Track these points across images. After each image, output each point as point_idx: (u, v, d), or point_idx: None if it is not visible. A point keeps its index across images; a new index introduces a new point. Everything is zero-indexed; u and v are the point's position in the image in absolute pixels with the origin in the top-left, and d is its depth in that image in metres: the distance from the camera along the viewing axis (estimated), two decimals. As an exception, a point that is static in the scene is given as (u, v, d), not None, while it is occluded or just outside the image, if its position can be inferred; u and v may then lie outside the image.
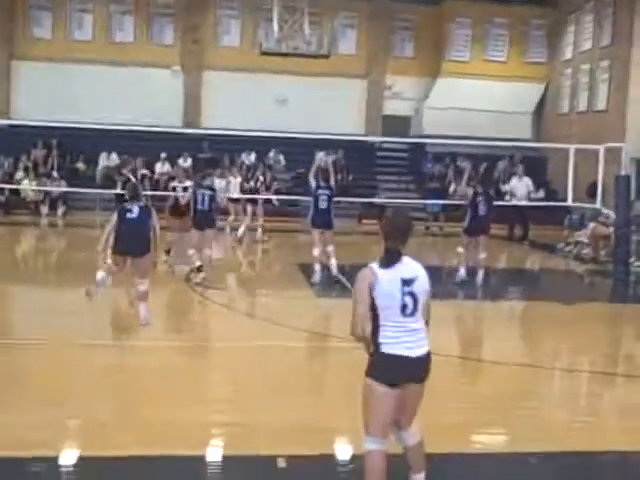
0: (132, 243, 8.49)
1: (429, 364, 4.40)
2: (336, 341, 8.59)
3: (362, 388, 4.36)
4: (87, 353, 7.68)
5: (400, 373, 4.30)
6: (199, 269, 11.62)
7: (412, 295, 4.29)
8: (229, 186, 17.61)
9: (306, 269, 12.57)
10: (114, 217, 8.69)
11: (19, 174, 21.79)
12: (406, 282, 4.28)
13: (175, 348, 8.35)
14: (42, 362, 7.24)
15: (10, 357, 7.44)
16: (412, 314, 4.30)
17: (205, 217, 11.75)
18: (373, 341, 4.31)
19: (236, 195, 17.33)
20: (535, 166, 23.67)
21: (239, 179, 18.45)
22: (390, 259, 4.31)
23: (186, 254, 11.90)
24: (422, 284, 4.37)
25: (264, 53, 22.43)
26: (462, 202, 13.52)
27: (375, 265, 4.31)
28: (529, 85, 25.83)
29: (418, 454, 4.56)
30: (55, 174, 21.82)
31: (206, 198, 11.72)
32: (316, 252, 12.03)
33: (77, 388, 6.54)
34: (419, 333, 4.35)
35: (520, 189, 19.20)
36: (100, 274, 8.50)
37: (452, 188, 20.82)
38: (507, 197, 19.57)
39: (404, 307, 4.27)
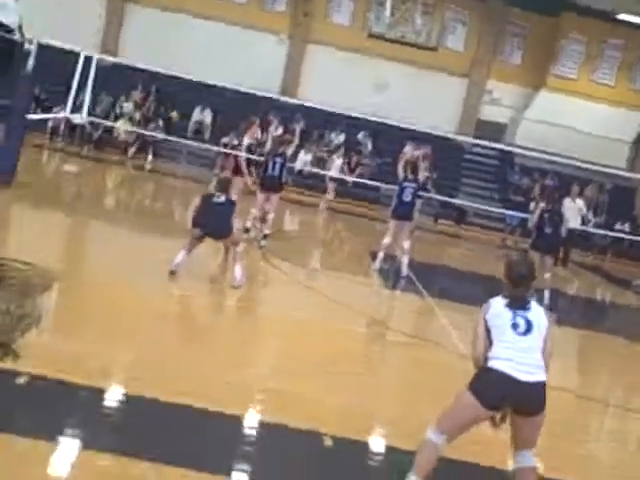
0: (215, 225, 8.76)
1: (540, 394, 4.23)
2: (392, 334, 8.63)
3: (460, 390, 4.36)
4: (155, 297, 7.90)
5: (502, 394, 4.20)
6: (247, 230, 11.99)
7: (525, 319, 4.33)
8: (331, 164, 18.27)
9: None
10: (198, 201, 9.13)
11: (120, 110, 22.40)
12: (520, 308, 4.36)
13: (240, 309, 8.53)
14: (111, 300, 7.46)
15: (81, 293, 7.69)
16: (525, 334, 4.28)
17: (272, 182, 12.00)
18: (484, 358, 4.33)
19: (335, 174, 17.92)
20: (624, 197, 23.10)
21: (341, 160, 18.94)
22: (514, 302, 4.39)
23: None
24: (540, 317, 4.40)
25: (372, 36, 22.45)
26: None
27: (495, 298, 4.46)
28: (633, 113, 25.13)
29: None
30: (154, 122, 22.28)
31: (277, 165, 12.00)
32: (387, 240, 12.03)
33: (143, 329, 6.74)
34: (532, 357, 4.27)
35: (571, 210, 18.76)
36: (181, 255, 8.59)
37: (532, 205, 20.45)
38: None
39: (515, 326, 4.29)
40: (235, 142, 14.13)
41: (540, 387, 4.23)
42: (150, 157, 21.65)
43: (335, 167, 19.00)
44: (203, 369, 6.00)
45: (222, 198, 8.94)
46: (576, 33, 25.02)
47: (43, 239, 9.50)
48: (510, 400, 4.21)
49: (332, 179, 19.18)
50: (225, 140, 16.32)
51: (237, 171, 13.59)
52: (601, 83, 25.25)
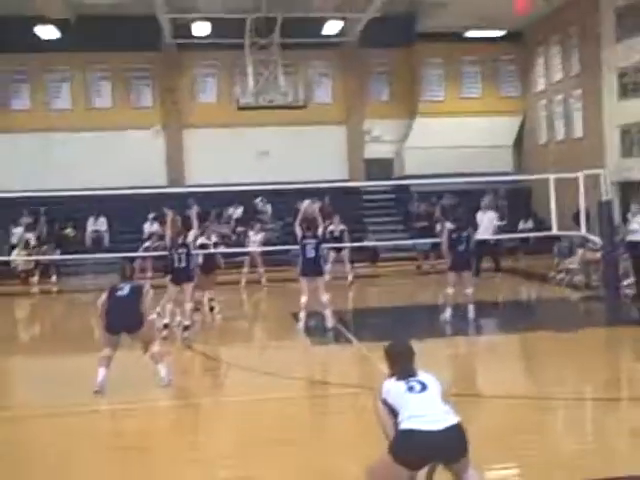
0: (123, 319, 8.46)
1: (459, 437, 4.35)
2: (334, 388, 8.59)
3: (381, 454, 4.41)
4: (87, 420, 7.64)
5: (423, 451, 4.27)
6: (186, 327, 11.74)
7: (417, 381, 4.58)
8: (249, 240, 18.80)
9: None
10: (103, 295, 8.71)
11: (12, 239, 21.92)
12: (409, 376, 4.61)
13: (174, 407, 8.32)
14: (43, 432, 7.18)
15: (10, 429, 7.38)
16: (422, 391, 4.48)
17: (182, 273, 11.96)
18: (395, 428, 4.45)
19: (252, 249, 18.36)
20: (520, 197, 23.96)
21: (260, 235, 19.34)
22: (402, 374, 4.63)
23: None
24: (429, 378, 4.68)
25: (241, 108, 22.75)
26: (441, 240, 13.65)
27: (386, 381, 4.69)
28: (506, 119, 26.26)
29: None
30: (50, 243, 21.88)
31: (182, 256, 11.95)
32: (304, 299, 12.07)
33: (83, 456, 6.49)
34: (436, 407, 4.43)
35: (484, 222, 19.45)
36: (101, 372, 8.32)
37: (439, 227, 20.99)
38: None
39: (411, 388, 4.50)
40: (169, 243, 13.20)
41: (456, 430, 4.34)
42: (54, 278, 21.16)
43: (253, 242, 19.26)
44: (155, 475, 5.82)
45: (126, 289, 8.60)
46: (432, 58, 26.08)
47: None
48: (431, 452, 4.29)
49: (249, 254, 19.27)
50: (148, 244, 16.25)
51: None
52: (469, 98, 26.28)
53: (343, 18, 23.67)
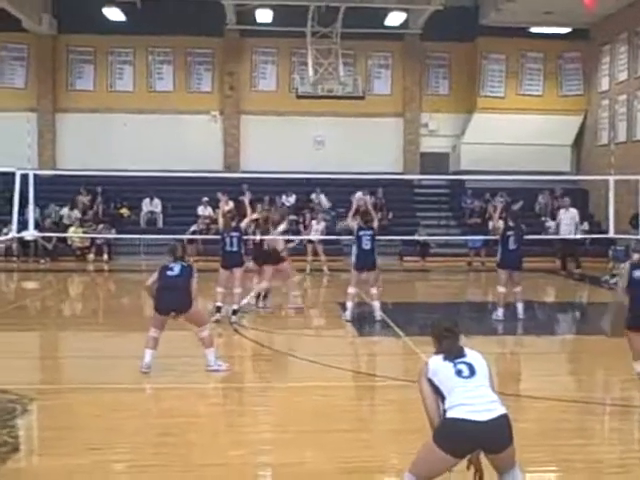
0: (173, 299, 8.46)
1: (503, 428, 4.30)
2: (379, 380, 8.61)
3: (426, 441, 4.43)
4: (133, 397, 7.80)
5: (467, 440, 4.26)
6: (218, 309, 11.87)
7: (465, 363, 4.48)
8: (310, 228, 19.35)
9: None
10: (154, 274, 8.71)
11: (69, 217, 22.45)
12: (457, 357, 4.51)
13: (219, 390, 8.43)
14: (88, 406, 7.35)
15: (61, 401, 7.58)
16: (470, 377, 4.42)
17: (232, 257, 12.01)
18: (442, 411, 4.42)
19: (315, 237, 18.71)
20: (577, 199, 23.51)
21: (322, 225, 19.76)
22: (449, 353, 4.55)
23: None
24: (478, 359, 4.56)
25: (300, 97, 22.78)
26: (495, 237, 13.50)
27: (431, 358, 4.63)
28: (567, 117, 25.73)
29: None
30: (105, 222, 22.34)
31: (234, 240, 11.99)
32: (352, 290, 12.10)
33: (127, 431, 6.62)
34: (484, 395, 4.37)
35: (565, 220, 19.18)
36: (148, 354, 8.41)
37: (491, 224, 20.80)
38: (551, 230, 19.71)
39: (459, 372, 4.43)
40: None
41: (502, 421, 4.30)
42: (106, 257, 21.58)
43: (315, 231, 19.78)
44: (196, 458, 5.91)
45: (176, 269, 8.56)
46: (494, 53, 25.73)
47: (14, 362, 9.34)
48: (476, 442, 4.28)
49: (311, 242, 19.69)
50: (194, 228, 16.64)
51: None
52: (529, 95, 25.88)
53: (406, 9, 23.52)
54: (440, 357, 4.54)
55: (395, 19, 23.83)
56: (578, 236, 19.20)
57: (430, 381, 4.47)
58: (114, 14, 23.35)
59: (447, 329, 4.65)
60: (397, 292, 15.96)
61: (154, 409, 7.66)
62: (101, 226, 22.19)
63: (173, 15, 23.73)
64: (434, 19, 23.22)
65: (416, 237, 21.64)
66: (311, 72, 22.48)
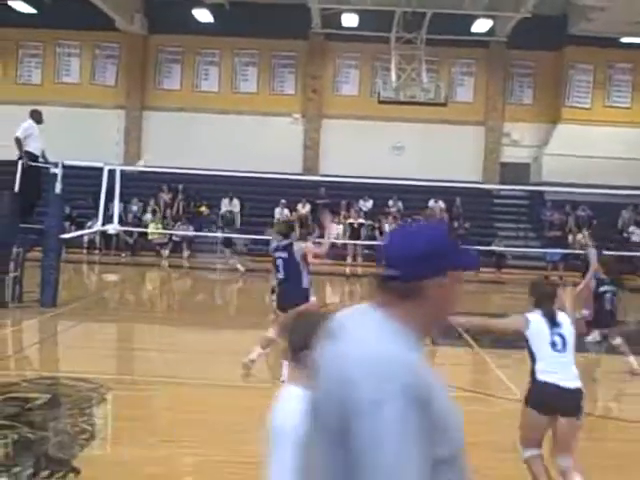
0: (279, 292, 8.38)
1: (580, 399, 4.91)
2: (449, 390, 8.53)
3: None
4: (208, 392, 7.95)
5: (554, 401, 4.84)
6: None
7: (560, 335, 4.96)
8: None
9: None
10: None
11: (147, 216, 23.02)
12: (554, 325, 4.97)
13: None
14: (166, 399, 7.54)
15: (137, 392, 7.80)
16: (562, 350, 4.92)
17: None
18: (531, 372, 4.98)
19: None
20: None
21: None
22: (547, 316, 5.01)
23: None
24: (569, 328, 5.02)
25: (382, 102, 22.77)
26: (582, 252, 12.85)
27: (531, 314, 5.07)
28: (655, 131, 24.99)
29: None
30: (184, 219, 22.85)
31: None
32: None
33: (198, 426, 6.76)
34: (571, 369, 4.94)
35: None
36: (257, 351, 8.34)
37: (571, 237, 20.38)
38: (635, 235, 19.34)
39: (553, 344, 4.93)
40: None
41: (580, 393, 4.95)
42: (186, 254, 22.04)
43: None
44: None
45: (284, 253, 7.55)
46: (581, 63, 25.19)
47: (94, 352, 9.66)
48: (560, 404, 4.88)
49: None
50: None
51: None
52: (616, 107, 25.25)
53: (493, 17, 23.25)
54: (539, 317, 4.97)
55: (481, 26, 23.58)
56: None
57: (525, 336, 4.98)
58: (203, 15, 23.84)
59: (544, 293, 5.10)
60: (471, 303, 15.75)
61: (226, 405, 7.78)
62: (179, 223, 22.68)
63: (259, 17, 24.07)
64: (520, 27, 22.86)
65: (492, 247, 21.36)
66: (394, 77, 22.46)
